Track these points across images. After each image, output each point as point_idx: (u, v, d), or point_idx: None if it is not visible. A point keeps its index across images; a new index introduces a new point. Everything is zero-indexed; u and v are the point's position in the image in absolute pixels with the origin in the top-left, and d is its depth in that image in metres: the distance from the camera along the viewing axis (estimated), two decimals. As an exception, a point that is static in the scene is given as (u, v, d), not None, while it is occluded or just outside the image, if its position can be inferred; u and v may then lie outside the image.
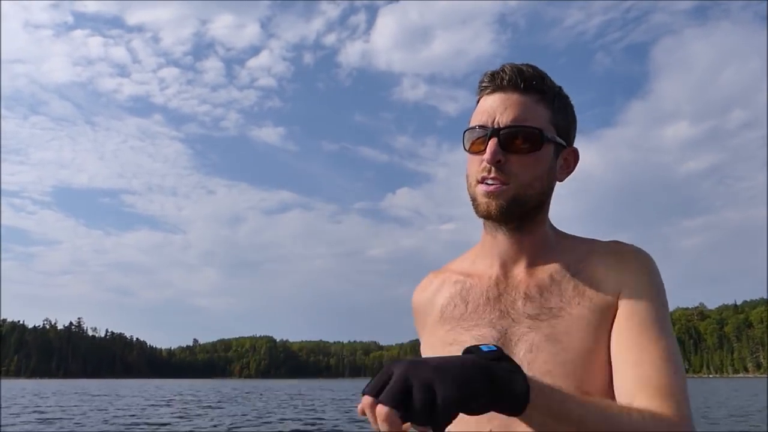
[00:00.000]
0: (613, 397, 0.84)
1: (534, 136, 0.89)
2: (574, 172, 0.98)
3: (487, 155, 0.88)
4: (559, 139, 0.93)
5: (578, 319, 0.88)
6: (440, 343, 0.97)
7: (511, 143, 0.89)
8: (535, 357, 0.87)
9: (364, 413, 0.58)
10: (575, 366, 0.85)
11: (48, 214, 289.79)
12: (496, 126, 0.90)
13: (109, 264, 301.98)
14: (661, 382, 0.79)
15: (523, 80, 0.91)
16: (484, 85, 0.94)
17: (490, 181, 0.89)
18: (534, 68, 0.93)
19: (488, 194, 0.90)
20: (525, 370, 0.81)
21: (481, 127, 0.91)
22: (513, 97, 0.91)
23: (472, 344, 0.84)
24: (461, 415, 0.81)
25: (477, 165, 0.92)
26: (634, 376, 0.80)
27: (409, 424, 0.55)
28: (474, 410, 0.59)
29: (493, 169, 0.89)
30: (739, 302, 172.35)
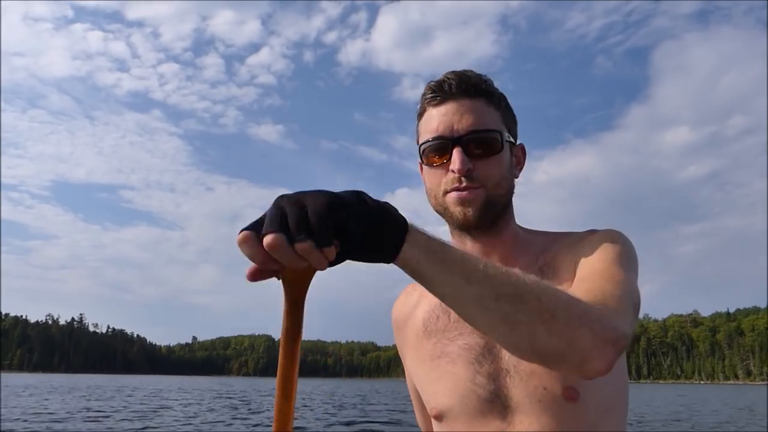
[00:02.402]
0: (600, 386, 0.88)
1: (495, 139, 0.91)
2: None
3: (456, 165, 0.88)
4: (511, 139, 0.96)
5: None
6: (428, 357, 0.98)
7: (474, 149, 0.90)
8: (519, 359, 0.87)
9: (245, 251, 0.55)
10: None
11: (46, 208, 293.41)
12: (456, 134, 0.90)
13: (107, 259, 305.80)
14: (606, 293, 0.76)
15: (471, 85, 0.92)
16: (430, 96, 0.94)
17: (462, 189, 0.90)
18: (476, 73, 0.94)
19: (462, 201, 0.90)
20: (513, 373, 0.89)
21: (440, 138, 0.91)
22: (465, 103, 0.91)
23: (461, 354, 0.92)
24: (454, 426, 0.91)
25: (440, 177, 0.93)
26: (581, 289, 0.78)
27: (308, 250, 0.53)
28: (347, 226, 0.56)
29: (463, 178, 0.89)
30: (732, 310, 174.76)
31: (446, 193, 0.92)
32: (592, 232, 0.97)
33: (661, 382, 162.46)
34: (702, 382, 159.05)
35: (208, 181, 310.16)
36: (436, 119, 0.92)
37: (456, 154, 0.89)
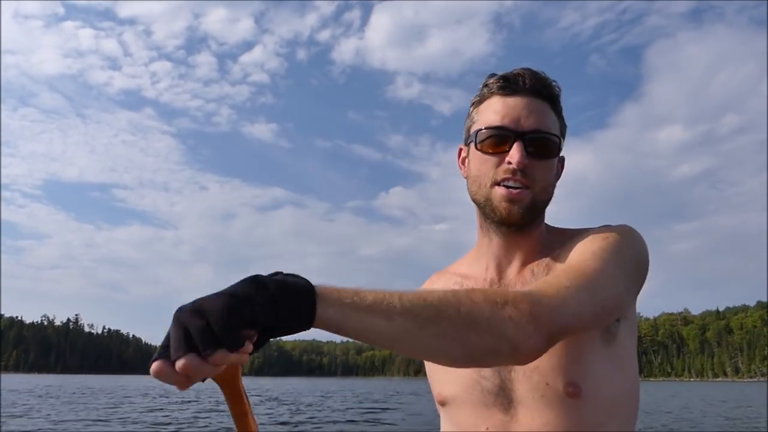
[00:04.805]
0: (602, 383, 0.89)
1: (554, 144, 0.93)
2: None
3: (516, 158, 0.88)
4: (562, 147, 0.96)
5: None
6: None
7: (534, 148, 0.90)
8: None
9: (162, 380, 0.56)
10: (562, 358, 0.88)
11: (38, 207, 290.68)
12: (521, 129, 0.90)
13: (100, 259, 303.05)
14: (558, 278, 0.80)
15: (544, 86, 0.93)
16: (501, 84, 0.93)
17: (512, 184, 0.90)
18: (545, 75, 0.95)
19: (511, 199, 0.90)
20: (517, 368, 0.90)
21: (504, 128, 0.91)
22: (534, 103, 0.92)
23: None
24: (458, 414, 0.93)
25: (493, 166, 0.92)
26: (563, 265, 0.83)
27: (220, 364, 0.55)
28: (255, 318, 0.58)
29: (519, 172, 0.90)
30: (721, 308, 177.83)
31: (495, 184, 0.92)
32: (606, 226, 0.98)
33: (651, 379, 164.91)
34: (692, 379, 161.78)
35: (202, 180, 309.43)
36: (503, 109, 0.92)
37: (517, 148, 0.89)
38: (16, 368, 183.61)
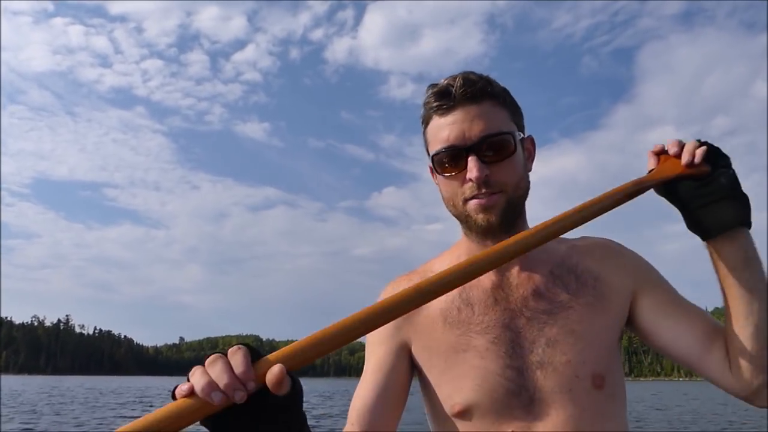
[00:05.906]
0: (618, 374, 0.97)
1: (508, 142, 0.92)
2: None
3: (474, 174, 0.89)
4: (522, 135, 0.97)
5: (587, 308, 0.95)
6: (450, 349, 0.97)
7: (488, 155, 0.90)
8: (554, 350, 0.92)
9: None
10: (591, 352, 0.92)
11: (27, 206, 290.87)
12: (469, 142, 0.90)
13: (90, 258, 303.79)
14: (719, 328, 0.95)
15: (477, 90, 0.91)
16: (436, 104, 0.93)
17: (482, 197, 0.92)
18: (478, 74, 0.94)
19: (484, 208, 0.92)
20: (546, 364, 0.92)
21: (453, 147, 0.91)
22: (473, 109, 0.91)
23: (489, 348, 0.94)
24: (481, 422, 0.94)
25: (457, 186, 0.94)
26: (706, 326, 0.94)
27: None
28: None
29: (483, 185, 0.91)
30: (710, 308, 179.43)
31: (466, 201, 0.93)
32: (594, 239, 1.06)
33: (641, 379, 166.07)
34: (681, 379, 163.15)
35: (194, 179, 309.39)
36: (446, 128, 0.92)
37: (472, 162, 0.89)
38: (6, 369, 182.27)
